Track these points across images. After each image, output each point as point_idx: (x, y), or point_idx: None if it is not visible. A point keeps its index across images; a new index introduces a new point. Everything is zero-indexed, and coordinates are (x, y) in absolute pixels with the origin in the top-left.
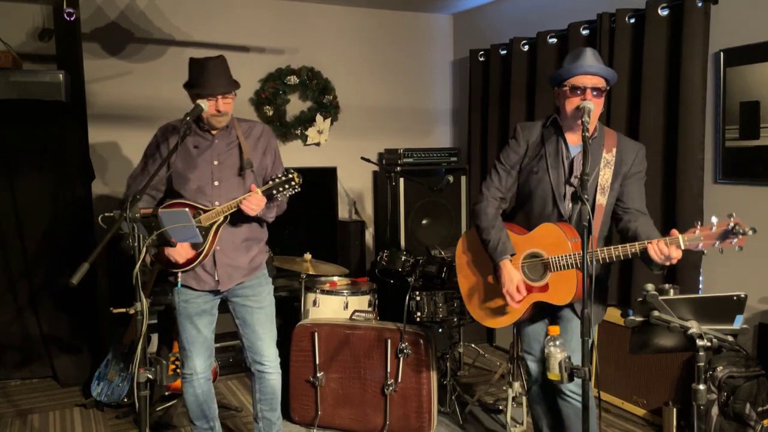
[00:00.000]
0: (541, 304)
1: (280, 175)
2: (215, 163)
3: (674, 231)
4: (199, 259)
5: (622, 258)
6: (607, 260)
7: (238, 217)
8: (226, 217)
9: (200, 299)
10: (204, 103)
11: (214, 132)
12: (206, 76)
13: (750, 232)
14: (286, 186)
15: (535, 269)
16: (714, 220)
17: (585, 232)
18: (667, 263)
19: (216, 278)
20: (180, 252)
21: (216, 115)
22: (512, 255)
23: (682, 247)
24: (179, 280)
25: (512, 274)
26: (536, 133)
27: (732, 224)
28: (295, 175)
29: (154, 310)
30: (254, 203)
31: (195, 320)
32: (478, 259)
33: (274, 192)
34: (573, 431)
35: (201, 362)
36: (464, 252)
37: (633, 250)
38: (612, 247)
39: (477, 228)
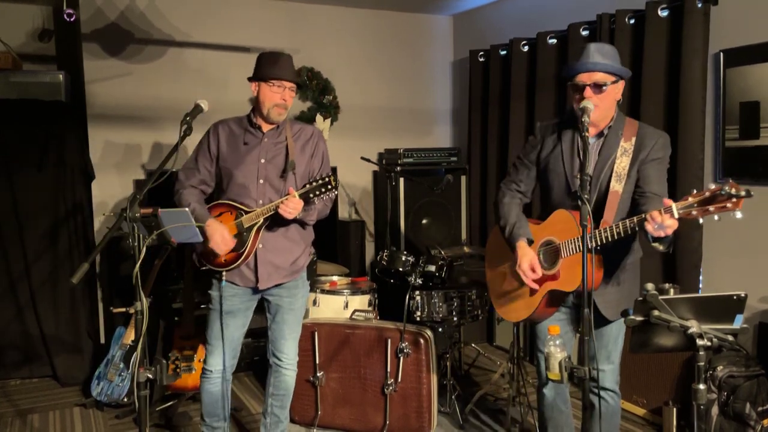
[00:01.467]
0: (557, 296)
1: (317, 178)
2: (262, 161)
3: (667, 200)
4: (241, 260)
5: (623, 234)
6: (609, 239)
7: (280, 219)
8: (266, 220)
9: (237, 298)
10: (205, 104)
11: (264, 130)
12: (279, 64)
13: (743, 193)
14: (323, 189)
15: (548, 257)
16: (711, 185)
17: (584, 232)
18: (662, 232)
19: (257, 276)
20: (222, 247)
21: (279, 105)
22: (530, 243)
23: (676, 216)
24: (224, 277)
25: (526, 252)
26: (553, 128)
27: (727, 188)
28: (332, 178)
29: (154, 309)
30: (291, 206)
31: (226, 318)
32: (502, 253)
33: (311, 195)
34: (600, 429)
35: (219, 361)
36: (492, 245)
37: (631, 224)
38: (612, 225)
39: (496, 218)
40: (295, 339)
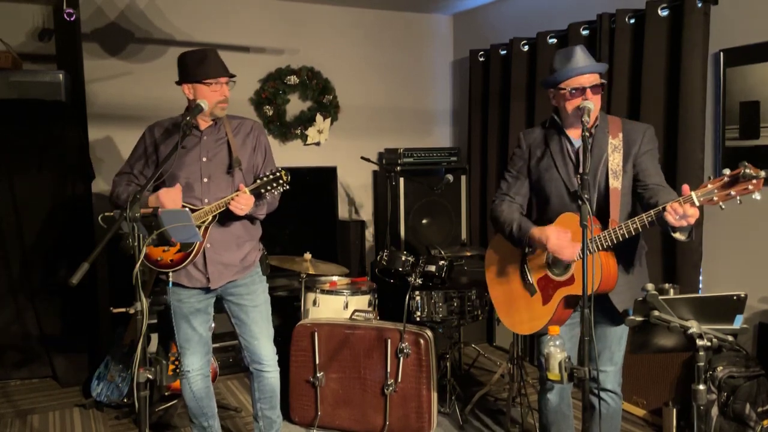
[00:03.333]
0: (572, 300)
1: (268, 174)
2: (204, 159)
3: (685, 187)
4: (189, 259)
5: (640, 229)
6: (626, 236)
7: (229, 215)
8: (215, 216)
9: (193, 299)
10: (204, 103)
11: (201, 128)
12: (208, 62)
13: (763, 174)
14: (274, 185)
15: (559, 262)
16: (725, 171)
17: (584, 232)
18: (684, 222)
19: (207, 276)
20: (177, 200)
21: (222, 101)
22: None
23: (697, 204)
24: (170, 278)
25: (546, 230)
26: (538, 137)
27: (743, 169)
28: (283, 173)
29: (154, 309)
30: (242, 203)
31: (190, 319)
32: (506, 268)
33: (262, 191)
34: (600, 430)
35: (197, 360)
36: (491, 264)
37: (649, 218)
38: (629, 221)
39: (496, 226)
40: (268, 337)
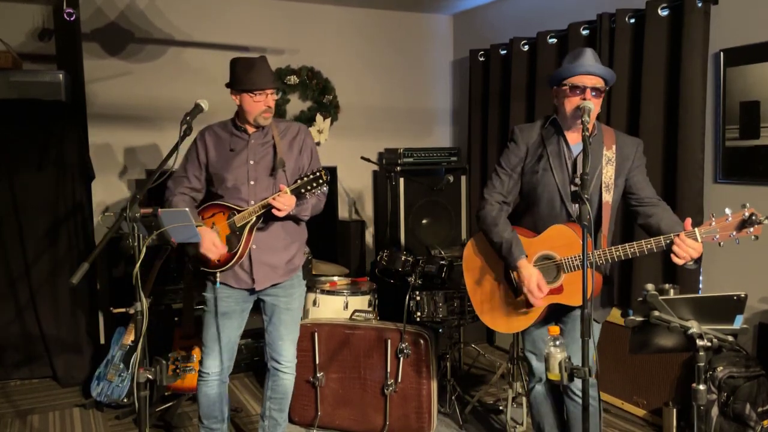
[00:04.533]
0: (555, 306)
1: (308, 173)
2: (251, 162)
3: (687, 222)
4: (234, 260)
5: (637, 254)
6: (630, 256)
7: (274, 217)
8: (259, 217)
9: (231, 299)
10: (204, 104)
11: (250, 132)
12: (255, 72)
13: (766, 221)
14: (314, 184)
15: (548, 271)
16: (728, 211)
17: (584, 232)
18: (688, 258)
19: (252, 277)
20: (213, 251)
21: (265, 111)
22: (525, 257)
23: (699, 240)
24: (218, 279)
25: (531, 272)
26: (536, 134)
27: (748, 214)
28: (323, 172)
29: (155, 310)
30: (283, 203)
31: (221, 320)
32: (487, 265)
33: (302, 190)
34: (577, 431)
35: (216, 364)
36: (472, 258)
37: (649, 246)
38: (626, 245)
39: (485, 232)
40: (293, 341)
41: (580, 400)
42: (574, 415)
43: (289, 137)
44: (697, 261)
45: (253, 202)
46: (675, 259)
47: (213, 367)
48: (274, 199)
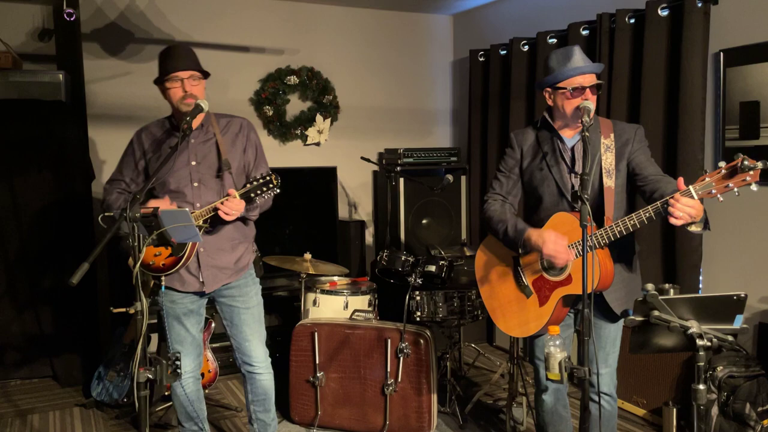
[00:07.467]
0: (570, 299)
1: (258, 177)
2: (193, 163)
3: (680, 180)
4: (181, 263)
5: (638, 225)
6: (624, 232)
7: (220, 219)
8: (206, 221)
9: (186, 299)
10: (204, 103)
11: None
12: (170, 58)
13: (760, 165)
14: (264, 189)
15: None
16: (721, 164)
17: (584, 232)
18: (688, 218)
19: (201, 280)
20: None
21: (184, 97)
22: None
23: (695, 197)
24: (162, 282)
25: (543, 234)
26: (530, 137)
27: (740, 161)
28: (273, 176)
29: (154, 309)
30: (231, 208)
31: (182, 320)
32: (499, 271)
33: (252, 195)
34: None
35: (189, 362)
36: (482, 268)
37: (647, 214)
38: (626, 218)
39: (489, 226)
40: (260, 340)
41: (607, 405)
42: (594, 418)
43: (232, 133)
44: (705, 224)
45: (198, 205)
46: (672, 221)
47: (186, 365)
48: (222, 203)
